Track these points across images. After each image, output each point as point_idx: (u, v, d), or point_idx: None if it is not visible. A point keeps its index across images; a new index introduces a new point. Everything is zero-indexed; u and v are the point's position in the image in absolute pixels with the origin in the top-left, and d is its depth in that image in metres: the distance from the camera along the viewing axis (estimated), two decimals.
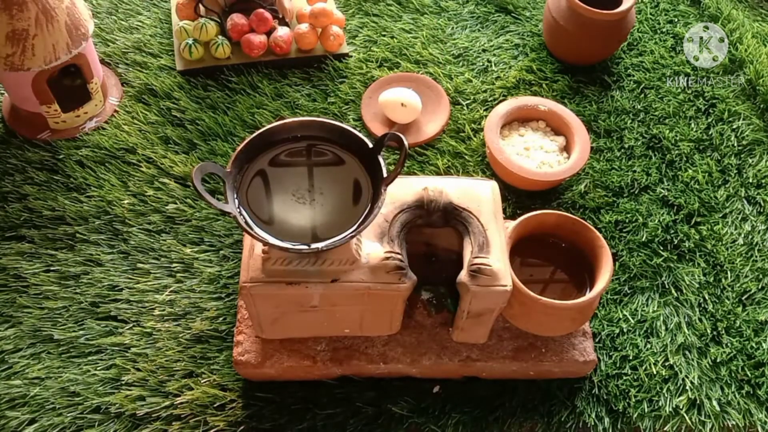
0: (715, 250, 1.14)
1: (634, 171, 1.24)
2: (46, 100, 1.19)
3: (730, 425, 0.98)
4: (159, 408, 0.94)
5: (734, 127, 1.32)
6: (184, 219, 1.13)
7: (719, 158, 1.28)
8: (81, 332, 1.01)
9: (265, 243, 0.77)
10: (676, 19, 1.53)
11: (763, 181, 1.25)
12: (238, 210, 0.79)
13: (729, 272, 1.12)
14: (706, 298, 1.09)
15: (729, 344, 1.04)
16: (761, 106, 1.36)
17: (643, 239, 1.15)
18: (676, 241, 1.15)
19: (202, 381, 0.97)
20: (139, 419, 0.94)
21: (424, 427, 0.95)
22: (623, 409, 0.98)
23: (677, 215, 1.19)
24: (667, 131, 1.30)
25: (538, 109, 1.24)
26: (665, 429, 0.97)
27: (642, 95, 1.37)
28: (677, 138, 1.29)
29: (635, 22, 1.48)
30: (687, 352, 1.03)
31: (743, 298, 1.10)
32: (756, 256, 1.14)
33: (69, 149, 1.22)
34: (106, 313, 1.03)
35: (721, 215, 1.19)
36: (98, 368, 0.98)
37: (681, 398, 0.98)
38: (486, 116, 1.27)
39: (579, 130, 1.21)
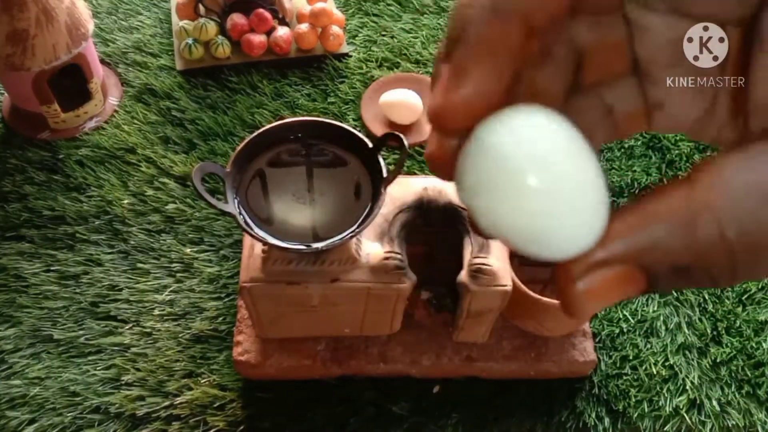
0: None
1: (634, 171, 1.24)
2: (46, 99, 1.19)
3: (730, 425, 0.98)
4: (159, 408, 0.94)
5: None
6: (184, 219, 1.13)
7: None
8: (81, 332, 1.01)
9: (265, 243, 0.77)
10: None
11: None
12: (238, 210, 0.79)
13: None
14: (706, 298, 1.09)
15: (729, 344, 1.04)
16: None
17: None
18: None
19: (201, 381, 0.97)
20: (138, 419, 0.94)
21: (424, 427, 0.95)
22: (623, 409, 0.98)
23: None
24: None
25: None
26: (665, 429, 0.97)
27: None
28: (677, 138, 1.29)
29: None
30: (687, 352, 1.03)
31: (743, 298, 1.09)
32: None
33: (69, 149, 1.22)
34: (106, 313, 1.03)
35: None
36: (98, 368, 0.98)
37: (681, 398, 0.98)
38: None
39: None
